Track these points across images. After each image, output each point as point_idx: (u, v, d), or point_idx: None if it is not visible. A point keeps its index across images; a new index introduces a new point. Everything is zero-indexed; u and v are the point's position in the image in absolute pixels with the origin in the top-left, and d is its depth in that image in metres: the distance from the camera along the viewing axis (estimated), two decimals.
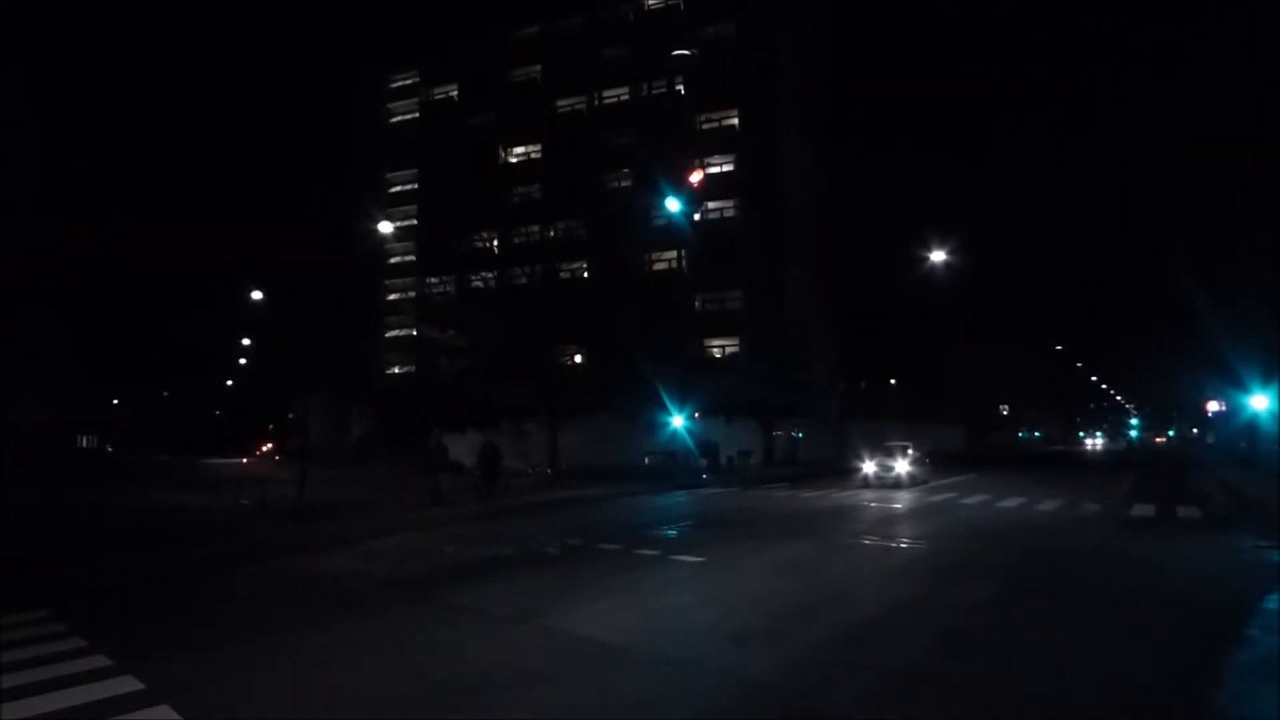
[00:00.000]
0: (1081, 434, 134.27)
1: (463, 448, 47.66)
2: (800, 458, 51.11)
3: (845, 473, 37.04)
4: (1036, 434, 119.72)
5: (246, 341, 64.71)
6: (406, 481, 32.46)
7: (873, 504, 23.53)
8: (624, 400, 39.68)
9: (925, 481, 30.98)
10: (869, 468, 30.62)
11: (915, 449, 32.01)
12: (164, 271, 70.98)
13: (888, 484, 29.33)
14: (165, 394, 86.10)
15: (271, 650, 8.45)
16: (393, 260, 65.21)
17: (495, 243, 57.72)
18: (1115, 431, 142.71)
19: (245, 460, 64.71)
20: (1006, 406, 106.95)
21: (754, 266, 51.94)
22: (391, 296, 65.11)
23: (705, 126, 55.37)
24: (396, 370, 63.80)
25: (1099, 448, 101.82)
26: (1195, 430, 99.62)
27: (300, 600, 11.22)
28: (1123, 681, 7.08)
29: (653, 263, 53.62)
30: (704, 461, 37.21)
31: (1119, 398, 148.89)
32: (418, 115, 67.15)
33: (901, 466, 29.99)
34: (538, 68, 61.05)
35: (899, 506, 22.90)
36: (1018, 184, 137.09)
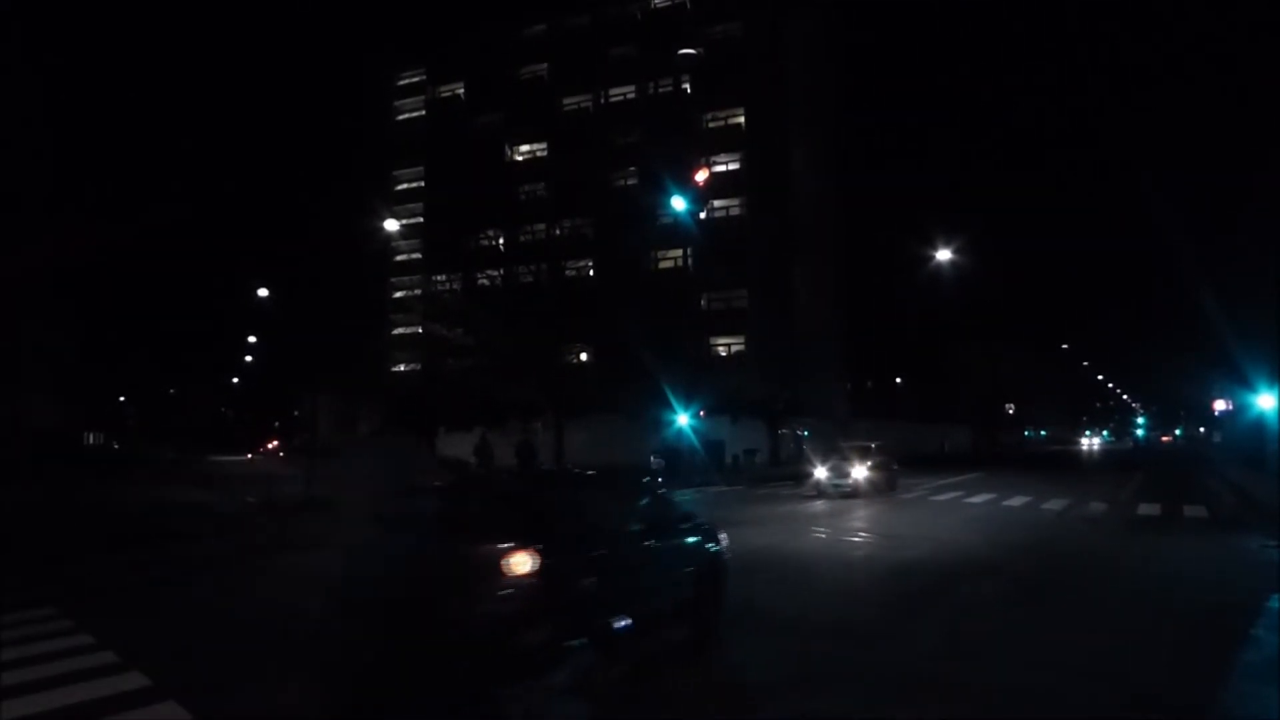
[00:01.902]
0: (1088, 432, 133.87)
1: (466, 446, 47.67)
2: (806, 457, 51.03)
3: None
4: (1042, 433, 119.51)
5: (253, 339, 64.93)
6: (415, 478, 32.50)
7: (877, 502, 23.52)
8: (630, 399, 39.67)
9: (891, 489, 26.63)
10: (820, 474, 26.19)
11: (879, 452, 27.25)
12: (171, 269, 71.26)
13: (844, 492, 25.07)
14: (172, 391, 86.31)
15: (277, 647, 8.48)
16: (399, 258, 65.27)
17: (501, 241, 57.75)
18: (1122, 430, 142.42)
19: (250, 457, 64.83)
20: (1012, 405, 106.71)
21: (760, 265, 51.89)
22: (398, 294, 65.17)
23: (712, 125, 55.28)
24: (403, 368, 63.87)
25: (1096, 447, 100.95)
26: (1202, 429, 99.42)
27: (305, 597, 11.22)
28: (1128, 681, 7.08)
29: (659, 261, 53.56)
30: (660, 463, 32.30)
31: (1125, 397, 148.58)
32: (424, 113, 67.15)
33: (859, 472, 25.55)
34: (544, 66, 60.99)
35: (904, 505, 22.89)
36: (1027, 183, 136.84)
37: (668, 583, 8.04)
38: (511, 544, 6.26)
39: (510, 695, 5.39)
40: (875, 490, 25.43)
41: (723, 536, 9.50)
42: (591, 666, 6.39)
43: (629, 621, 7.08)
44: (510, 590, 6.11)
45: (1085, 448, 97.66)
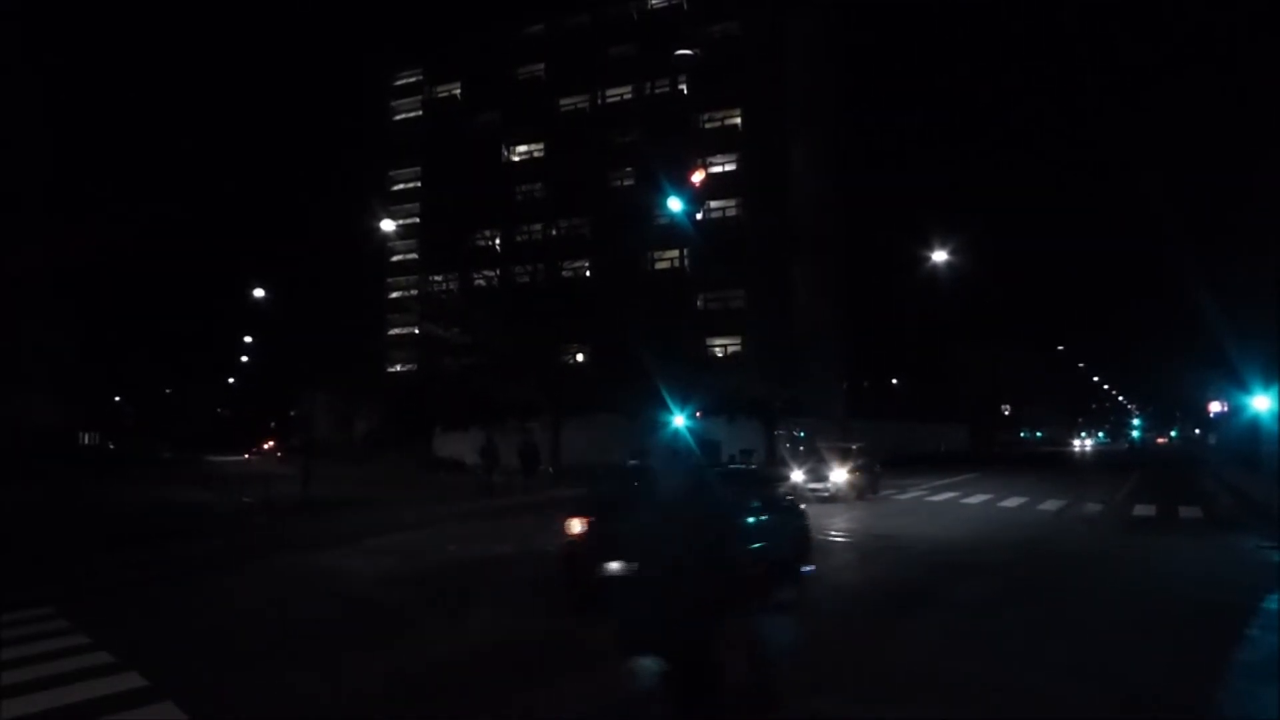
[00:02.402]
0: (1083, 434, 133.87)
1: (464, 445, 47.65)
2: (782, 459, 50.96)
3: None
4: (1038, 434, 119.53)
5: (250, 339, 64.91)
6: (413, 478, 32.64)
7: (861, 505, 23.51)
8: (628, 399, 39.64)
9: (874, 491, 25.47)
10: (797, 477, 24.43)
11: (860, 454, 25.72)
12: (168, 269, 71.24)
13: (823, 497, 23.22)
14: (168, 391, 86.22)
15: (274, 647, 8.48)
16: (396, 258, 65.20)
17: (498, 241, 57.71)
18: (1118, 431, 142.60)
19: (248, 457, 64.80)
20: (1009, 406, 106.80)
21: (758, 266, 51.84)
22: (394, 294, 65.14)
23: (709, 125, 55.30)
24: (399, 368, 63.85)
25: (1088, 448, 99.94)
26: (1198, 431, 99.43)
27: (303, 597, 11.24)
28: (1124, 681, 7.10)
29: (655, 261, 53.56)
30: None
31: (1121, 398, 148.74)
32: (421, 113, 67.12)
33: (838, 476, 23.83)
34: (542, 66, 60.96)
35: (898, 506, 22.92)
36: (1025, 183, 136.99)
37: (777, 542, 10.54)
38: None
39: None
40: (857, 494, 24.09)
41: (805, 510, 13.13)
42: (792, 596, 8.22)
43: (813, 567, 11.44)
44: None
45: (1077, 448, 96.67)
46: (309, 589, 11.80)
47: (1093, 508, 22.26)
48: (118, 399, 77.76)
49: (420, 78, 67.04)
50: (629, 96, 57.64)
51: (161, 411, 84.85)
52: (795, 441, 52.10)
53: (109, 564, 13.44)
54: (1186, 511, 21.13)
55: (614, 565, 8.69)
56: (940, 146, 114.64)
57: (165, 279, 74.43)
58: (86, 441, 68.11)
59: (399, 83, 68.15)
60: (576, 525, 10.52)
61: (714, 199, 51.70)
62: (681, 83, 55.50)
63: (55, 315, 48.95)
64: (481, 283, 49.61)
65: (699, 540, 5.83)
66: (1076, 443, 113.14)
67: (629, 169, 55.31)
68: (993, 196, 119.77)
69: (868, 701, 6.60)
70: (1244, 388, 37.09)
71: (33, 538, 15.86)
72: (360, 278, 61.12)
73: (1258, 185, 38.20)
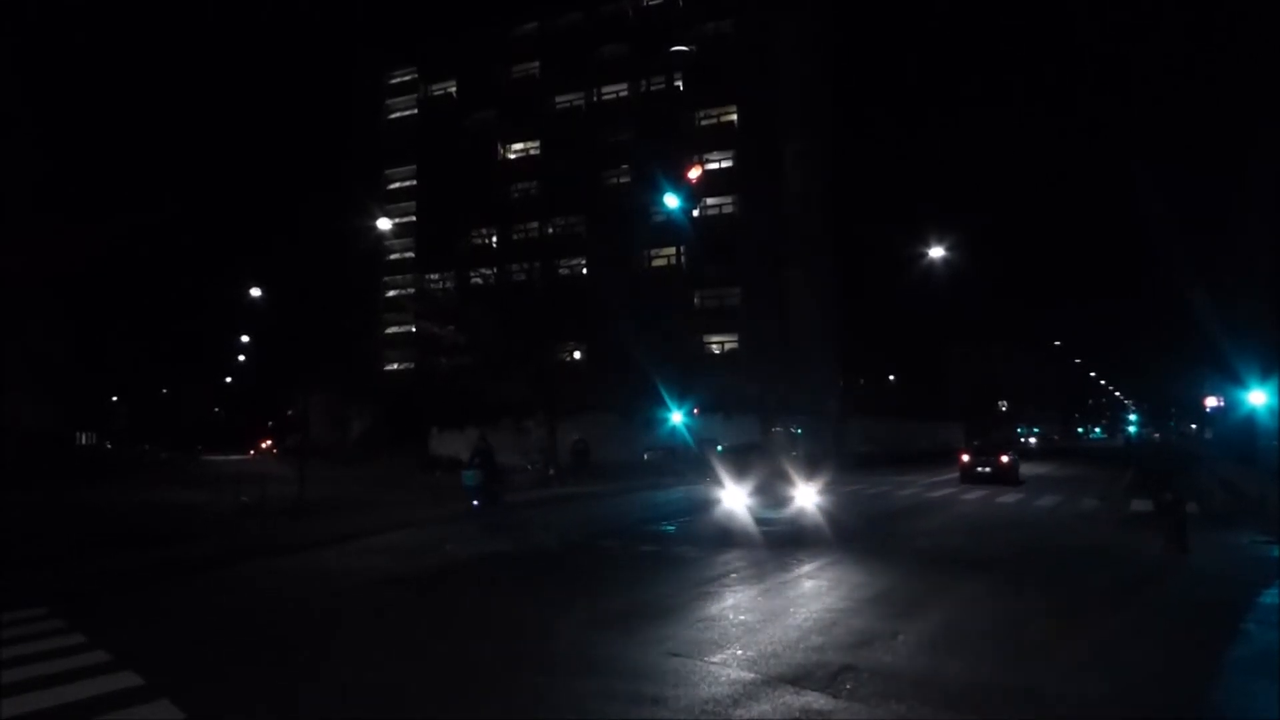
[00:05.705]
0: (1078, 429, 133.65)
1: (461, 444, 47.59)
2: (799, 454, 50.89)
3: (844, 470, 36.99)
4: (1035, 430, 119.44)
5: (245, 339, 64.80)
6: (410, 478, 32.66)
7: (870, 496, 23.52)
8: (623, 397, 39.64)
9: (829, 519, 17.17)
10: (738, 499, 17.70)
11: (808, 459, 19.37)
12: (163, 268, 71.02)
13: (776, 528, 16.03)
14: (165, 391, 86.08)
15: (271, 646, 8.47)
16: (392, 257, 65.11)
17: (494, 239, 57.66)
18: (1114, 427, 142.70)
19: (245, 456, 64.74)
20: (1005, 403, 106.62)
21: (753, 263, 51.87)
22: (390, 293, 65.04)
23: (704, 123, 55.27)
24: (395, 367, 63.77)
25: (1032, 443, 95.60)
26: (1194, 426, 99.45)
27: (298, 596, 11.23)
28: (1122, 676, 7.11)
29: (652, 259, 53.55)
30: (476, 481, 20.56)
31: (1118, 394, 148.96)
32: (416, 111, 67.02)
33: (806, 497, 17.35)
34: (536, 64, 60.92)
35: (900, 498, 22.94)
36: (1020, 179, 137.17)
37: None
38: (1002, 452, 31.29)
39: None
40: (827, 523, 16.63)
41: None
42: None
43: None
44: (1003, 463, 29.91)
45: (1033, 444, 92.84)
46: (306, 588, 11.78)
47: (1089, 503, 22.29)
48: (114, 399, 77.60)
49: (415, 76, 66.94)
50: (624, 94, 57.58)
51: (157, 412, 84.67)
52: (792, 439, 52.10)
53: (105, 564, 13.39)
54: None
55: (979, 468, 29.94)
56: (935, 142, 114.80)
57: (159, 279, 74.11)
58: (84, 442, 67.93)
59: (394, 81, 68.03)
60: (966, 456, 31.56)
61: (710, 196, 51.75)
62: (676, 80, 55.50)
63: (48, 316, 48.81)
64: (477, 281, 49.56)
65: (1011, 465, 30.14)
66: (1031, 440, 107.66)
67: (624, 167, 55.30)
68: (988, 192, 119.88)
69: (863, 699, 6.61)
70: (1239, 383, 37.12)
71: (28, 538, 15.81)
72: (356, 277, 61.03)
73: (1251, 179, 38.25)
